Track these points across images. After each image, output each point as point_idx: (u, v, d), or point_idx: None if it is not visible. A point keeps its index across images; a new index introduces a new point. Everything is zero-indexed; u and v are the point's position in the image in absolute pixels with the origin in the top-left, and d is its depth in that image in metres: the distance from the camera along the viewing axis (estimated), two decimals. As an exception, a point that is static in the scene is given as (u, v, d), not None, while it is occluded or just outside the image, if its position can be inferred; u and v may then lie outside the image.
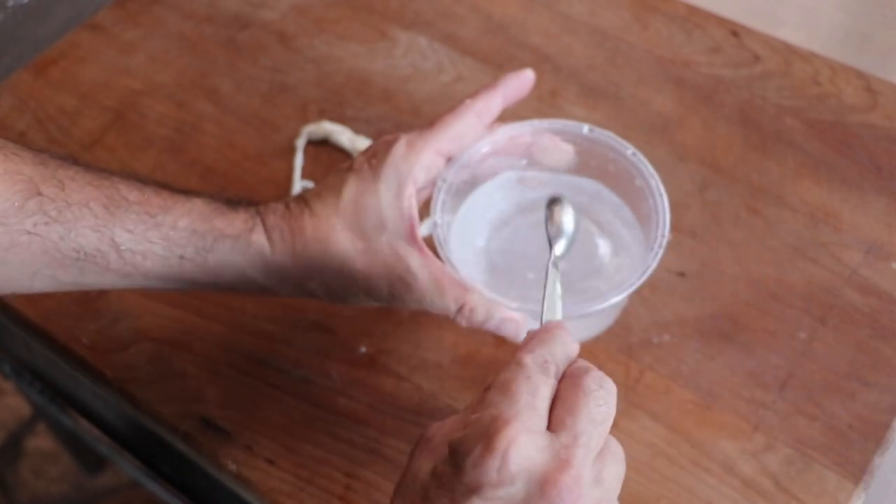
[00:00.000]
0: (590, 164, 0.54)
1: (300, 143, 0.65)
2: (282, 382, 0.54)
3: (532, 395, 0.35)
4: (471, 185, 0.54)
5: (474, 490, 0.33)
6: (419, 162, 0.47)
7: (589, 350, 0.54)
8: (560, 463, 0.33)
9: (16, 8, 0.73)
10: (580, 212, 0.55)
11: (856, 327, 0.54)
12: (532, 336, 0.39)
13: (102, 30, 0.73)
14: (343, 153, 0.65)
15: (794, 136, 0.64)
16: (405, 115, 0.66)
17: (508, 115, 0.65)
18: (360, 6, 0.74)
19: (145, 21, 0.74)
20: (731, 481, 0.49)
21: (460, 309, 0.47)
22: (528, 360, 0.37)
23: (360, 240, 0.47)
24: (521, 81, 0.52)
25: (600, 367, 0.52)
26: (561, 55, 0.69)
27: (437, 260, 0.47)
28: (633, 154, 0.51)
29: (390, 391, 0.53)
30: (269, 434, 0.52)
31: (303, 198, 0.48)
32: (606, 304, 0.47)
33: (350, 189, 0.47)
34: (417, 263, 0.47)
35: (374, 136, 0.65)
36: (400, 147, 0.47)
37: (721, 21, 0.71)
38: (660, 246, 0.48)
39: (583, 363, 0.38)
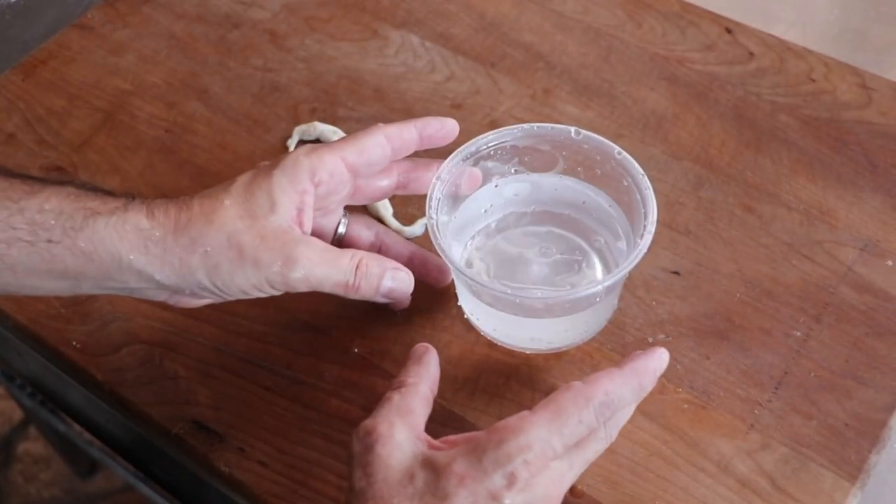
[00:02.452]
0: (579, 167, 0.54)
1: (292, 143, 0.64)
2: (274, 384, 0.54)
3: (570, 437, 0.41)
4: (463, 189, 0.54)
5: (494, 496, 0.39)
6: (322, 163, 0.48)
7: (584, 350, 0.54)
8: (553, 488, 0.40)
9: (4, 8, 0.73)
10: (570, 218, 0.55)
11: (851, 325, 0.54)
12: (628, 370, 0.43)
13: (92, 30, 0.73)
14: (335, 153, 0.64)
15: (788, 133, 0.63)
16: (397, 114, 0.66)
17: (500, 118, 0.65)
18: (351, 5, 0.73)
19: (135, 21, 0.73)
20: (727, 481, 0.49)
21: (357, 267, 0.47)
22: (596, 402, 0.41)
23: (248, 217, 0.46)
24: (442, 126, 0.52)
25: (595, 367, 0.53)
26: (554, 53, 0.69)
27: (326, 243, 0.48)
28: (619, 153, 0.51)
29: (383, 392, 0.53)
30: (262, 436, 0.52)
31: (196, 192, 0.48)
32: (595, 288, 0.47)
33: (245, 177, 0.48)
34: (308, 241, 0.47)
35: (367, 136, 0.64)
36: (305, 148, 0.49)
37: (715, 18, 0.71)
38: (648, 233, 0.48)
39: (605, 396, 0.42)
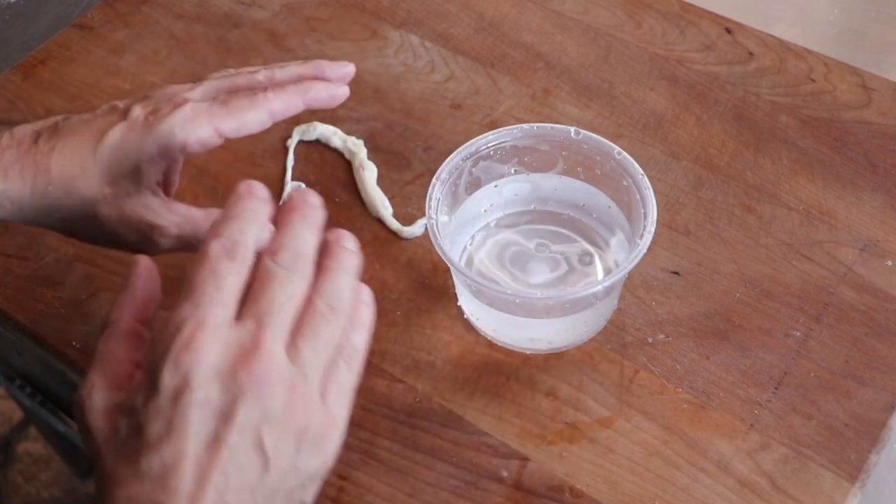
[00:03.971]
0: (578, 167, 0.54)
1: (291, 143, 0.64)
2: (274, 384, 0.54)
3: (217, 289, 0.34)
4: (464, 189, 0.54)
5: (176, 398, 0.33)
6: (196, 134, 0.45)
7: (584, 350, 0.54)
8: (245, 350, 0.33)
9: (4, 8, 0.73)
10: (569, 218, 0.55)
11: (851, 325, 0.54)
12: (221, 214, 0.37)
13: (91, 30, 0.73)
14: (334, 153, 0.64)
15: (788, 133, 0.63)
16: (397, 114, 0.66)
17: (500, 118, 0.65)
18: (351, 5, 0.73)
19: (135, 21, 0.73)
20: (727, 481, 0.49)
21: (210, 213, 0.47)
22: (214, 247, 0.35)
23: (108, 185, 0.45)
24: (332, 96, 0.49)
25: (594, 367, 0.53)
26: (553, 53, 0.69)
27: (183, 204, 0.47)
28: (619, 153, 0.51)
29: (383, 392, 0.53)
30: (261, 436, 0.52)
31: (57, 130, 0.45)
32: (595, 288, 0.47)
33: (115, 135, 0.45)
34: (167, 210, 0.46)
35: (366, 136, 0.64)
36: (184, 112, 0.45)
37: (715, 18, 0.71)
38: (648, 233, 0.48)
39: (272, 245, 0.36)
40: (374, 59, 0.69)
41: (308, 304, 0.36)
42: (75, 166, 0.44)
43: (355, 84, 0.68)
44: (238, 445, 0.33)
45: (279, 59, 0.70)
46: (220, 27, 0.73)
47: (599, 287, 0.47)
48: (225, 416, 0.33)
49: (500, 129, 0.53)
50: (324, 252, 0.38)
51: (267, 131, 0.65)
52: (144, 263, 0.40)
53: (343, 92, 0.49)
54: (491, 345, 0.54)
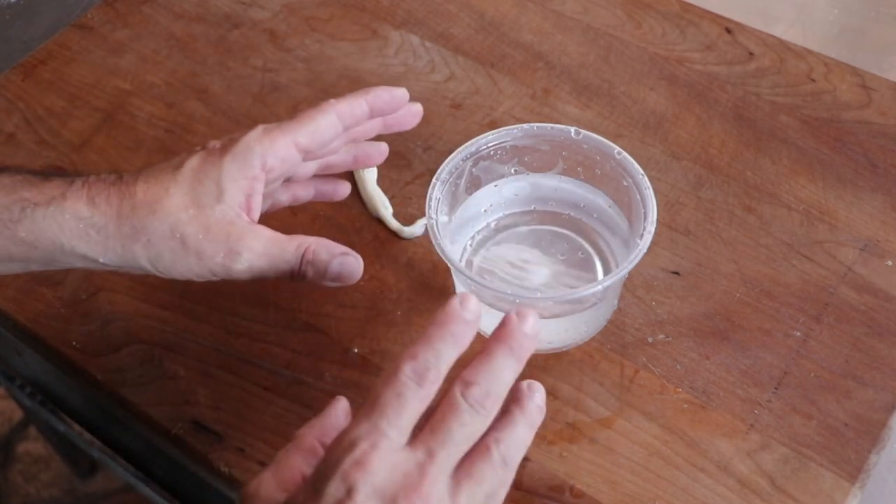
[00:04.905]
0: (578, 167, 0.54)
1: (291, 142, 0.64)
2: (274, 384, 0.54)
3: (397, 414, 0.35)
4: (464, 189, 0.54)
5: None
6: (273, 148, 0.47)
7: (584, 350, 0.54)
8: (411, 479, 0.34)
9: (4, 8, 0.73)
10: (569, 218, 0.55)
11: (851, 325, 0.54)
12: (428, 329, 0.37)
13: (91, 30, 0.73)
14: (335, 153, 0.64)
15: (788, 133, 0.63)
16: (397, 114, 0.66)
17: (500, 118, 0.65)
18: (351, 5, 0.73)
19: (135, 21, 0.73)
20: (727, 481, 0.49)
21: (305, 253, 0.47)
22: (406, 370, 0.36)
23: (193, 206, 0.46)
24: (392, 97, 0.51)
25: (594, 367, 0.53)
26: (553, 53, 0.69)
27: (270, 229, 0.47)
28: (619, 153, 0.51)
29: (383, 392, 0.53)
30: (262, 436, 0.52)
31: (141, 170, 0.47)
32: (595, 288, 0.47)
33: (193, 161, 0.47)
34: (252, 231, 0.46)
35: (366, 136, 0.64)
36: (256, 132, 0.47)
37: (715, 18, 0.71)
38: (648, 233, 0.48)
39: (466, 375, 0.37)
40: (374, 59, 0.69)
41: (483, 447, 0.37)
42: (160, 188, 0.46)
43: (355, 83, 0.68)
44: None
45: (279, 59, 0.70)
46: (220, 27, 0.73)
47: (599, 287, 0.47)
48: None
49: (500, 129, 0.53)
50: (514, 397, 0.38)
51: (267, 131, 0.65)
52: (343, 404, 0.42)
53: (402, 92, 0.51)
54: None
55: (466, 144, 0.53)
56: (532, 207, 0.56)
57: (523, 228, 0.56)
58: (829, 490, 0.48)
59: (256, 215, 0.47)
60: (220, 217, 0.46)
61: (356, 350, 0.55)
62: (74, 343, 0.56)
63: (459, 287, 0.53)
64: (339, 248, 0.48)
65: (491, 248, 0.55)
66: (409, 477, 0.34)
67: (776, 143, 0.63)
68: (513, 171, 0.55)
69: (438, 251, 0.48)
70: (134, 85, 0.69)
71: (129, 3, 0.75)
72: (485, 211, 0.56)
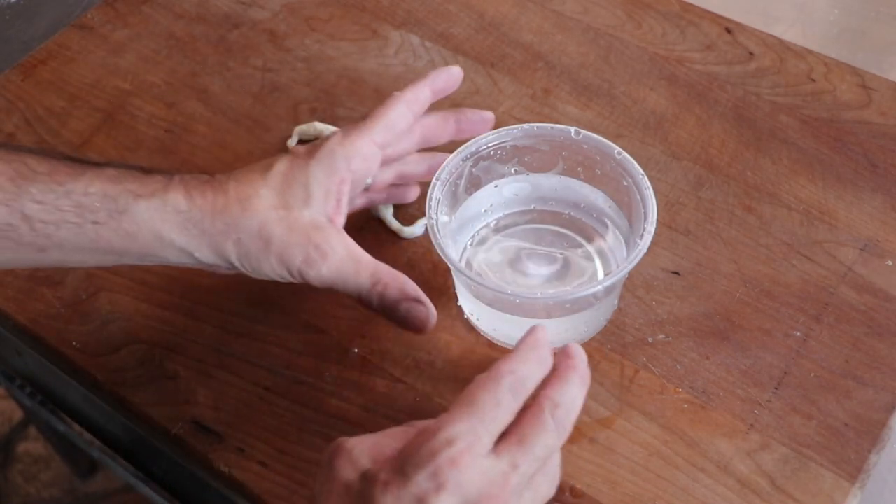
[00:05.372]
0: (578, 167, 0.54)
1: (292, 143, 0.64)
2: (274, 384, 0.54)
3: (494, 421, 0.38)
4: (464, 189, 0.54)
5: (420, 500, 0.35)
6: (355, 150, 0.49)
7: (584, 350, 0.53)
8: (494, 487, 0.36)
9: (4, 8, 0.73)
10: (569, 218, 0.55)
11: (851, 325, 0.54)
12: (522, 346, 0.40)
13: (91, 30, 0.73)
14: (335, 153, 0.64)
15: (788, 133, 0.63)
16: (397, 114, 0.66)
17: (500, 118, 0.65)
18: (351, 5, 0.73)
19: (135, 21, 0.73)
20: (727, 481, 0.49)
21: (375, 284, 0.47)
22: (507, 381, 0.38)
23: (281, 207, 0.47)
24: (449, 76, 0.54)
25: (595, 367, 0.53)
26: (554, 53, 0.69)
27: (353, 242, 0.48)
28: (619, 153, 0.51)
29: (383, 392, 0.53)
30: (262, 436, 0.52)
31: (231, 172, 0.49)
32: (595, 288, 0.47)
33: (282, 165, 0.48)
34: (336, 237, 0.47)
35: (366, 136, 0.64)
36: (336, 136, 0.49)
37: (715, 18, 0.71)
38: (648, 233, 0.48)
39: (554, 395, 0.39)
40: (374, 59, 0.69)
41: (539, 410, 0.39)
42: (250, 188, 0.47)
43: (355, 83, 0.68)
44: None
45: (279, 59, 0.70)
46: (220, 27, 0.73)
47: (599, 287, 0.47)
48: None
49: (500, 129, 0.53)
50: (565, 361, 0.42)
51: (267, 131, 0.66)
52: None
53: (457, 70, 0.54)
54: (491, 345, 0.54)
55: (466, 144, 0.53)
56: (532, 207, 0.56)
57: (523, 228, 0.56)
58: (829, 490, 0.48)
59: (342, 220, 0.49)
60: (307, 221, 0.47)
61: (356, 350, 0.55)
62: (74, 343, 0.56)
63: (459, 287, 0.53)
64: (413, 291, 0.48)
65: (491, 248, 0.55)
66: (493, 485, 0.36)
67: (776, 143, 0.63)
68: (513, 171, 0.55)
69: (438, 251, 0.48)
70: (134, 85, 0.69)
71: (129, 3, 0.75)
72: (485, 211, 0.56)
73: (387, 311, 0.48)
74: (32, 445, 1.20)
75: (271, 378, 0.54)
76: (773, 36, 0.69)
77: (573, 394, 0.40)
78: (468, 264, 0.54)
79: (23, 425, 1.21)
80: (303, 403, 0.53)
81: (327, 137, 0.50)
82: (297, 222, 0.47)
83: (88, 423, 0.72)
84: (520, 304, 0.49)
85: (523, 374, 0.39)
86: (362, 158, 0.49)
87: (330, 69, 0.69)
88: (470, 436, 0.37)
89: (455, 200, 0.54)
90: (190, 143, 0.65)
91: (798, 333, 0.54)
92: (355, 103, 0.67)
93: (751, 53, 0.68)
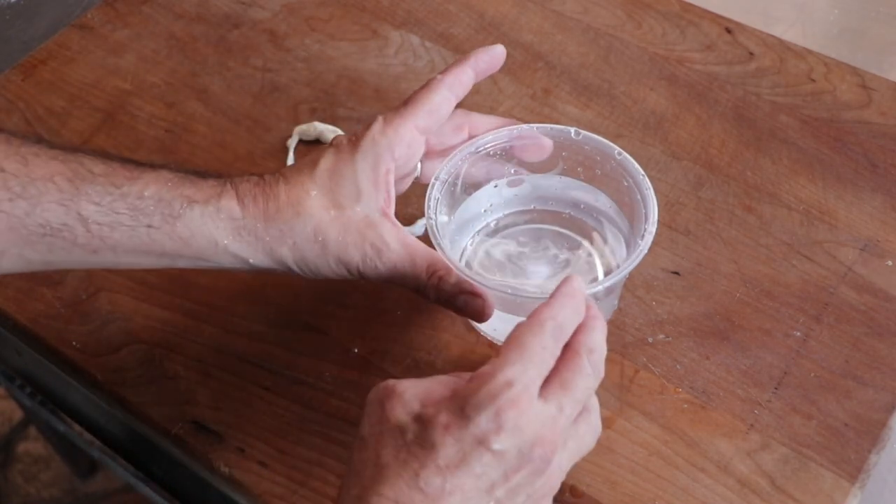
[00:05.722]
0: (579, 167, 0.54)
1: (292, 143, 0.64)
2: (274, 384, 0.54)
3: (541, 365, 0.39)
4: (463, 189, 0.54)
5: (481, 441, 0.37)
6: (398, 137, 0.48)
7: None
8: (545, 429, 0.38)
9: (4, 8, 0.73)
10: (569, 218, 0.55)
11: (851, 325, 0.54)
12: (559, 294, 0.41)
13: (91, 30, 0.73)
14: (335, 153, 0.64)
15: (788, 133, 0.63)
16: (397, 114, 0.66)
17: (504, 118, 0.65)
18: (351, 5, 0.73)
19: (135, 21, 0.73)
20: (727, 481, 0.49)
21: (431, 276, 0.47)
22: (549, 326, 0.39)
23: (333, 207, 0.47)
24: (492, 56, 0.52)
25: (595, 367, 0.53)
26: (554, 53, 0.69)
27: (408, 233, 0.48)
28: (619, 154, 0.51)
29: (383, 392, 0.53)
30: (262, 436, 0.52)
31: (279, 171, 0.48)
32: (595, 288, 0.47)
33: (327, 161, 0.48)
34: (390, 232, 0.47)
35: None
36: (377, 124, 0.48)
37: (715, 18, 0.71)
38: (649, 233, 0.48)
39: (587, 341, 0.41)
40: (374, 59, 0.69)
41: (577, 357, 0.41)
42: (300, 191, 0.47)
43: (355, 84, 0.68)
44: (502, 500, 0.38)
45: (279, 59, 0.70)
46: (220, 27, 0.73)
47: (600, 287, 0.47)
48: (506, 475, 0.37)
49: (500, 129, 0.53)
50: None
51: (267, 131, 0.66)
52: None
53: (500, 49, 0.52)
54: (491, 345, 0.54)
55: (466, 144, 0.53)
56: (532, 207, 0.56)
57: (523, 228, 0.56)
58: (829, 490, 0.48)
59: (392, 207, 0.48)
60: (361, 218, 0.47)
61: (356, 350, 0.55)
62: (74, 343, 0.56)
63: (459, 287, 0.53)
64: (468, 286, 0.48)
65: (491, 249, 0.55)
66: (545, 427, 0.38)
67: (776, 143, 0.63)
68: (513, 171, 0.55)
69: (438, 251, 0.48)
70: (134, 85, 0.69)
71: (129, 3, 0.75)
72: (485, 211, 0.56)
73: (444, 303, 0.48)
74: (32, 445, 1.20)
75: (271, 378, 0.54)
76: (773, 36, 0.69)
77: (601, 340, 0.41)
78: (468, 264, 0.54)
79: (23, 425, 1.21)
80: (303, 403, 0.53)
81: (368, 124, 0.49)
82: (350, 221, 0.47)
83: (88, 423, 0.72)
84: (520, 304, 0.49)
85: (562, 320, 0.40)
86: (406, 145, 0.48)
87: (330, 69, 0.69)
88: (525, 378, 0.38)
89: (454, 201, 0.54)
90: (190, 143, 0.65)
91: (798, 333, 0.54)
92: (355, 103, 0.67)
93: (751, 53, 0.68)
